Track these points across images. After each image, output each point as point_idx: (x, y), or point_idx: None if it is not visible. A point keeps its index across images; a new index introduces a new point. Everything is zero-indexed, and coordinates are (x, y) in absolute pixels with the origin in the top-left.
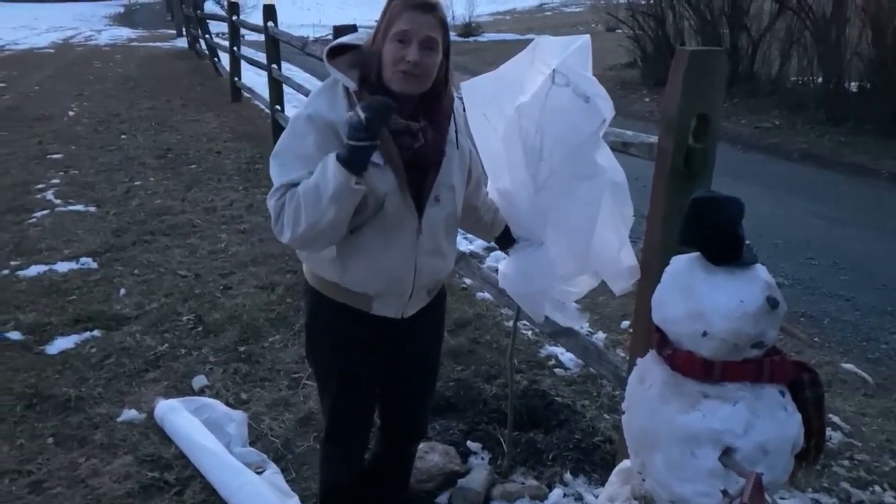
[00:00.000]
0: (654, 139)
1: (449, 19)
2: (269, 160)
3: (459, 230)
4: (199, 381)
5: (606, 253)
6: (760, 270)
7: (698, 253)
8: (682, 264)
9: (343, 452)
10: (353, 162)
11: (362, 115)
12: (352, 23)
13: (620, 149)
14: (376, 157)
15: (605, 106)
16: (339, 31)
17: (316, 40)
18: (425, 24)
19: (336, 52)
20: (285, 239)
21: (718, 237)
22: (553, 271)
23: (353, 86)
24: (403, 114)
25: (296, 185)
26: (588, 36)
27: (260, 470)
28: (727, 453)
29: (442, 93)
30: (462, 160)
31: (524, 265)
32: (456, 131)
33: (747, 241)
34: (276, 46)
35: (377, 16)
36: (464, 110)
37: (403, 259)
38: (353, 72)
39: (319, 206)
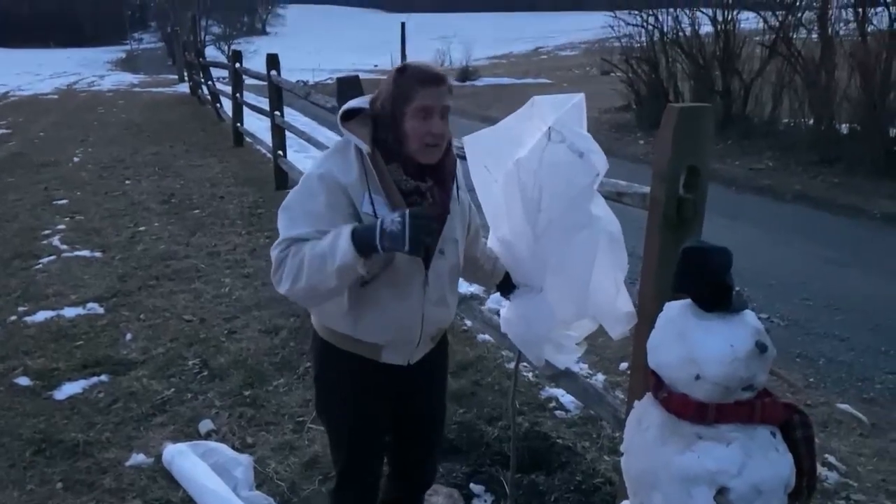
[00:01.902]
0: (646, 189)
1: (446, 64)
2: (279, 213)
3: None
4: (206, 425)
5: (603, 299)
6: (749, 316)
7: (690, 300)
8: (676, 311)
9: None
10: (367, 250)
11: (408, 236)
12: (351, 68)
13: (615, 198)
14: (386, 214)
15: (599, 161)
16: (343, 82)
17: (315, 85)
18: (440, 95)
19: (347, 115)
20: (282, 290)
21: (708, 286)
22: (553, 316)
23: (367, 149)
24: (411, 174)
25: (301, 240)
26: (582, 94)
27: None
28: (722, 493)
29: (446, 152)
30: (463, 214)
31: (525, 311)
32: (457, 187)
33: (737, 288)
34: (279, 93)
35: (372, 61)
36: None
37: (412, 309)
38: (364, 133)
39: (323, 273)
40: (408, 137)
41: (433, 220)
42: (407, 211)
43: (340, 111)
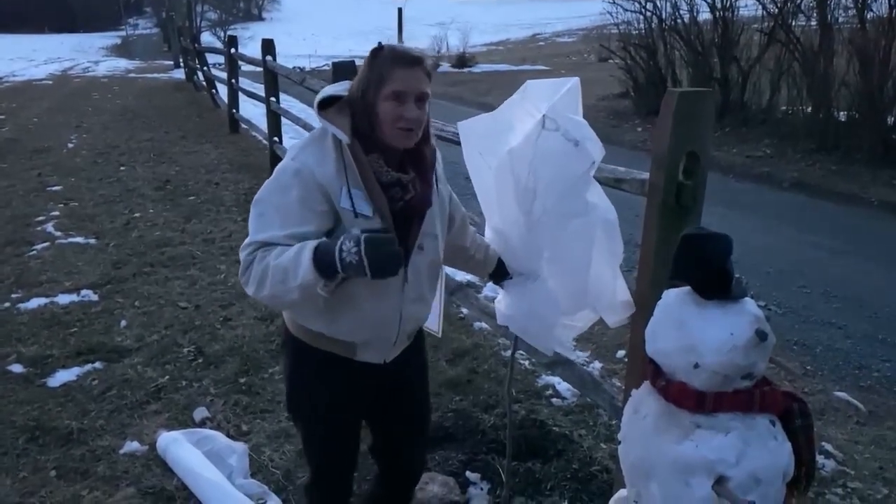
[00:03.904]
0: (645, 175)
1: (443, 50)
2: (251, 206)
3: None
4: (200, 412)
5: (601, 288)
6: (749, 304)
7: (689, 287)
8: (674, 298)
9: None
10: (329, 273)
11: (368, 267)
12: (348, 55)
13: (613, 184)
14: (365, 209)
15: (595, 148)
16: (338, 68)
17: (312, 71)
18: (417, 79)
19: (326, 103)
20: (249, 292)
21: (708, 273)
22: (556, 304)
23: (346, 139)
24: (392, 165)
25: (269, 244)
26: (577, 79)
27: (261, 501)
28: (720, 482)
29: (426, 142)
30: (442, 207)
31: (529, 304)
32: (436, 179)
33: (737, 276)
34: (274, 79)
35: (369, 47)
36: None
37: (390, 308)
38: (343, 122)
39: (285, 286)
40: (381, 122)
41: (392, 242)
42: (362, 238)
43: (317, 98)
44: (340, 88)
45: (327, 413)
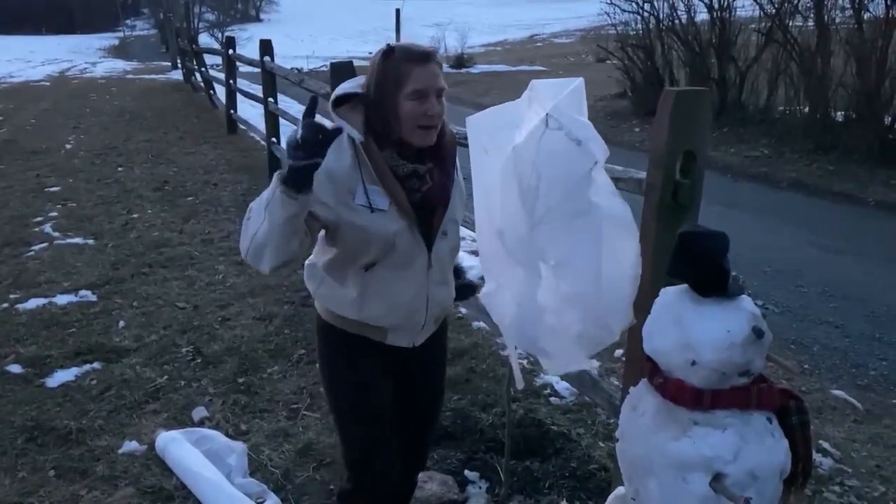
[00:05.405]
0: (642, 174)
1: (441, 51)
2: None
3: None
4: (199, 412)
5: (614, 291)
6: (746, 302)
7: (686, 285)
8: (671, 296)
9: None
10: (290, 179)
11: (298, 135)
12: (345, 56)
13: None
14: (381, 204)
15: (598, 148)
16: (336, 68)
17: (310, 72)
18: (433, 75)
19: (339, 101)
20: (242, 250)
21: (705, 270)
22: (567, 311)
23: (359, 137)
24: (410, 157)
25: None
26: (582, 79)
27: (260, 500)
28: (718, 479)
29: (444, 133)
30: (462, 196)
31: (528, 310)
32: (456, 169)
33: (733, 273)
34: (272, 80)
35: (367, 48)
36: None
37: (417, 292)
38: (356, 120)
39: (258, 216)
40: (402, 122)
41: (325, 130)
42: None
43: (332, 96)
44: (353, 86)
45: (360, 394)
